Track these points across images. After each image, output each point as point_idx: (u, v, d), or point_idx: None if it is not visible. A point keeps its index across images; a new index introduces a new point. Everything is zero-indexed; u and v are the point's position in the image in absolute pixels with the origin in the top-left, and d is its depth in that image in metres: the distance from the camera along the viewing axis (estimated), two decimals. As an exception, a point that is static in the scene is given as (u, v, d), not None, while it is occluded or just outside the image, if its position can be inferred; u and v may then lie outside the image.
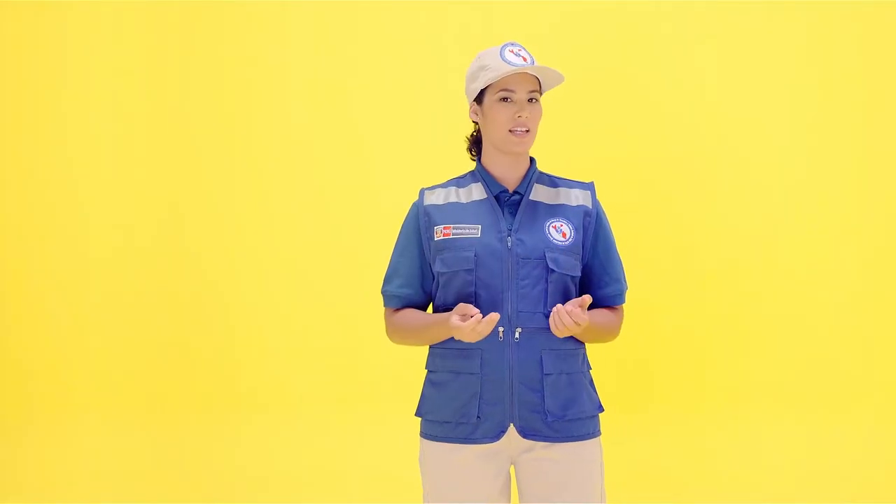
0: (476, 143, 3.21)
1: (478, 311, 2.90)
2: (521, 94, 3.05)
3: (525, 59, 3.05)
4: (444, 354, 3.09)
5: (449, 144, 4.57)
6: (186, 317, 4.67)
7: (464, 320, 2.91)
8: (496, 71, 3.03)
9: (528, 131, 3.05)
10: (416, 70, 4.63)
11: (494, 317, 2.88)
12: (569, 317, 2.88)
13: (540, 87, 3.11)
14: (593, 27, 4.52)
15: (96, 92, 4.70)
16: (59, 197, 4.70)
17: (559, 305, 2.90)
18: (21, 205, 4.70)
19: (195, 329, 4.67)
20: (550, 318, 2.92)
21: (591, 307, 3.11)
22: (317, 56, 4.66)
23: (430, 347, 3.14)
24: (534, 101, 3.06)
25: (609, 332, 3.15)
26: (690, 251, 4.45)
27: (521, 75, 3.05)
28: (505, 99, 3.05)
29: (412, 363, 4.54)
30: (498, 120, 3.06)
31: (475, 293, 3.01)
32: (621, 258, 3.21)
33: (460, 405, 3.03)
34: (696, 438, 4.44)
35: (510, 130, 3.05)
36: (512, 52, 3.05)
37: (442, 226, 3.08)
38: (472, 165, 3.23)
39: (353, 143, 4.65)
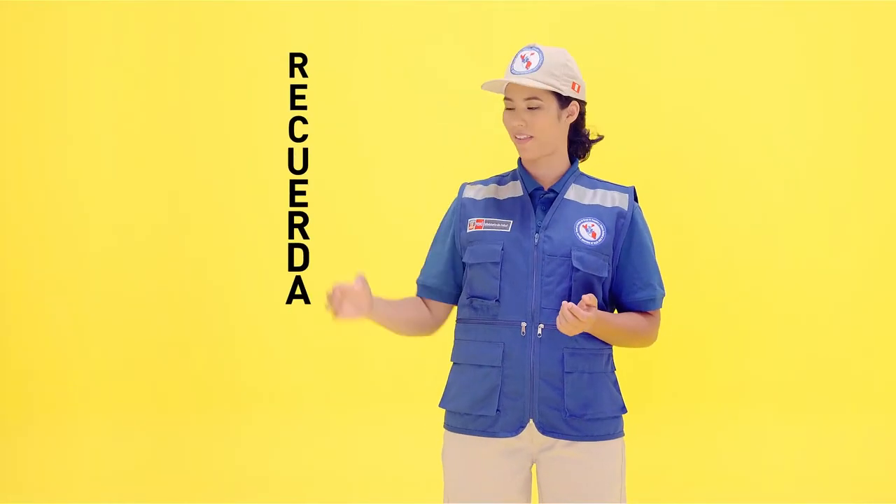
0: None
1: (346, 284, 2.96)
2: (518, 103, 3.07)
3: (529, 66, 3.06)
4: (468, 346, 3.10)
5: (448, 146, 4.61)
6: (186, 317, 4.67)
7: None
8: (495, 83, 3.10)
9: (531, 137, 3.07)
10: (414, 70, 4.65)
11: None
12: (570, 313, 2.87)
13: (556, 91, 3.07)
14: (593, 27, 4.54)
15: (96, 91, 4.69)
16: (59, 197, 4.69)
17: (565, 302, 2.90)
18: (21, 205, 4.69)
19: (195, 329, 4.66)
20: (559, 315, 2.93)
21: (624, 310, 3.12)
22: (317, 56, 4.67)
23: (455, 339, 3.16)
24: (534, 108, 3.05)
25: (638, 337, 3.13)
26: (691, 251, 4.47)
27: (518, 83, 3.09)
28: (509, 108, 3.10)
29: (412, 364, 4.56)
30: (506, 128, 3.12)
31: (500, 286, 3.04)
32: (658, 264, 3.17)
33: (480, 397, 3.05)
34: (697, 438, 4.45)
35: (515, 137, 3.09)
36: (522, 57, 3.08)
37: (475, 218, 3.11)
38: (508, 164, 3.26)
39: (351, 144, 4.66)
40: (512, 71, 3.07)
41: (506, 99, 3.09)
